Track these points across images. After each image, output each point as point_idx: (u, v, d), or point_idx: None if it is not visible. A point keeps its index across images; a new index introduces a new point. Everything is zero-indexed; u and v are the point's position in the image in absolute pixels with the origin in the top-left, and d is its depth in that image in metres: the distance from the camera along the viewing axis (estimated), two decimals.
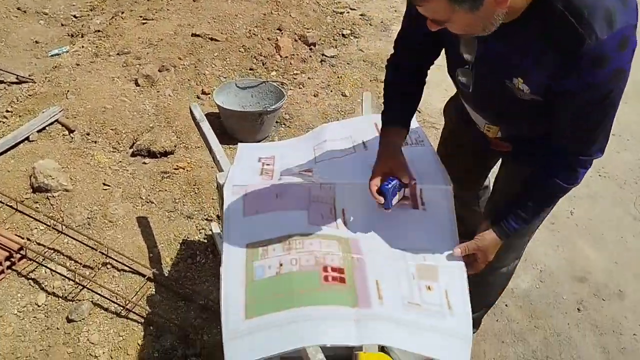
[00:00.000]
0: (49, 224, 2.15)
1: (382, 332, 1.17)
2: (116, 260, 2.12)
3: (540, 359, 2.00)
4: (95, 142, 2.69)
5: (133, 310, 1.94)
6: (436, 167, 1.56)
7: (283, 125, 3.00)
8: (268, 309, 1.22)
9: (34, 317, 1.92)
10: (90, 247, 2.14)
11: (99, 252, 2.11)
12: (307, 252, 1.30)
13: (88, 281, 1.99)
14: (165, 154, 2.64)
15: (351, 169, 1.58)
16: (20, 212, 2.19)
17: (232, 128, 2.77)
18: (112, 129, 2.76)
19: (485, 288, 1.75)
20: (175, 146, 2.67)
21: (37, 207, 2.30)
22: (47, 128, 2.72)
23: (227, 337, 1.19)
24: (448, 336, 1.19)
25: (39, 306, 1.96)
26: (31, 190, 2.36)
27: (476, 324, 1.92)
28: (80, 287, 2.00)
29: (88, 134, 2.71)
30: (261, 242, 1.35)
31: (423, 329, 1.19)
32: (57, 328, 1.90)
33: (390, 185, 1.34)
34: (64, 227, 2.16)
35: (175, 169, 2.57)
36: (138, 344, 1.87)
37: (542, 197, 1.32)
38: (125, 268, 2.11)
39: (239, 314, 1.22)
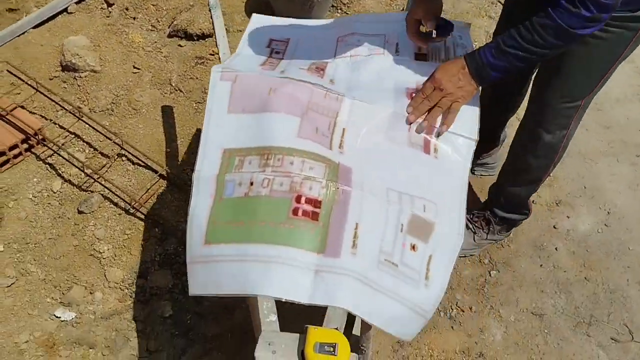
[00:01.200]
0: (67, 108, 2.09)
1: (342, 292, 0.95)
2: (131, 154, 2.04)
3: (583, 317, 1.69)
4: (134, 18, 2.53)
5: (140, 209, 1.88)
6: (470, 111, 1.22)
7: (339, 11, 2.63)
8: (225, 237, 1.04)
9: (48, 203, 1.93)
10: (107, 137, 2.07)
11: (115, 142, 2.04)
12: (283, 172, 1.08)
13: (98, 175, 1.93)
14: (202, 36, 2.43)
15: (370, 78, 1.29)
16: (40, 92, 2.14)
17: (279, 10, 2.47)
18: (153, 5, 2.58)
19: (524, 157, 1.55)
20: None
21: (65, 87, 2.25)
22: (86, 0, 2.60)
23: (188, 260, 1.05)
24: (408, 309, 0.97)
25: (54, 192, 1.95)
26: (60, 69, 2.30)
27: (522, 205, 1.70)
28: (92, 179, 1.95)
29: (127, 9, 2.56)
30: (240, 151, 1.15)
31: (389, 296, 0.96)
32: (68, 218, 1.89)
33: None
34: (82, 114, 2.10)
35: (210, 54, 2.37)
36: (142, 245, 1.82)
37: (531, 29, 1.10)
38: (140, 162, 2.02)
39: (200, 236, 1.06)
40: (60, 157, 2.03)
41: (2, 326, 1.63)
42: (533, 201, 1.83)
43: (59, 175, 1.99)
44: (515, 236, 1.87)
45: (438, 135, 1.19)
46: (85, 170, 1.93)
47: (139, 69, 2.33)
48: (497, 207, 1.71)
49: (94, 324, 1.66)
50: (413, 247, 1.05)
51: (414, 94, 1.22)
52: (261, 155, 1.11)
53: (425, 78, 1.25)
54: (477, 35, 2.50)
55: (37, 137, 1.98)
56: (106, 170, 1.98)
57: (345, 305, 0.95)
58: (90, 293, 1.73)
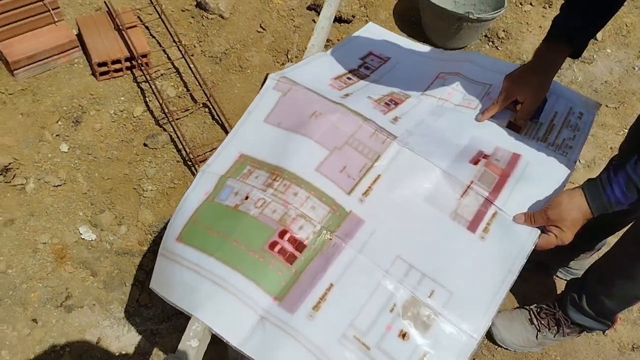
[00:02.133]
0: (180, 42, 2.15)
1: (281, 353, 0.85)
2: (214, 109, 2.06)
3: None
4: None
5: (195, 166, 1.89)
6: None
7: (491, 43, 2.40)
8: (196, 241, 0.99)
9: (124, 125, 2.01)
10: (200, 83, 2.10)
11: (204, 91, 2.07)
12: (282, 200, 0.99)
13: (176, 117, 1.97)
14: (339, 19, 2.37)
15: (446, 127, 1.14)
16: (161, 20, 2.22)
17: (426, 24, 2.32)
18: None
19: (628, 279, 1.22)
20: (354, 15, 2.37)
21: (190, 23, 2.32)
22: None
23: (160, 250, 1.02)
24: None
25: (133, 117, 2.03)
26: (195, 4, 2.37)
27: (606, 316, 1.39)
28: (167, 119, 2.00)
29: None
30: (254, 161, 1.08)
31: None
32: (133, 145, 1.96)
33: None
34: (191, 53, 2.15)
35: (338, 39, 2.31)
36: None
37: None
38: (218, 120, 2.04)
39: (177, 229, 1.03)
40: (153, 86, 2.10)
41: (34, 219, 1.74)
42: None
43: (145, 102, 2.07)
44: None
45: (495, 214, 1.02)
46: (165, 108, 1.98)
47: (264, 29, 2.33)
48: (574, 310, 1.42)
49: (105, 254, 1.71)
50: (403, 335, 0.91)
51: (482, 160, 1.06)
52: (270, 174, 1.03)
53: (509, 149, 1.09)
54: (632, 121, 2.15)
55: (141, 59, 2.06)
56: (186, 115, 2.02)
57: None
58: (118, 224, 1.79)
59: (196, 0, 2.34)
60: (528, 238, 1.00)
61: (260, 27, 2.33)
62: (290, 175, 1.02)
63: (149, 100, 2.07)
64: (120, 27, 2.06)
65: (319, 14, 2.28)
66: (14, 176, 1.82)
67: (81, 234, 1.74)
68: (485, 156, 1.10)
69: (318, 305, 0.90)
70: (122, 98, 2.06)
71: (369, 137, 1.09)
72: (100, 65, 2.00)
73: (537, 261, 1.59)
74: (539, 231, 1.01)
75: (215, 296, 0.90)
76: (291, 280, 0.92)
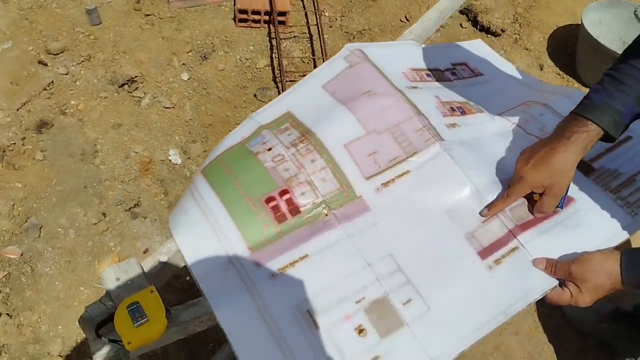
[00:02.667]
0: (316, 12, 2.21)
1: (225, 300, 0.87)
2: None
3: None
4: None
5: None
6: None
7: None
8: (211, 176, 1.03)
9: (243, 72, 2.14)
10: (322, 55, 2.15)
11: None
12: (298, 162, 0.99)
13: (289, 79, 2.04)
14: (486, 29, 2.27)
15: (501, 151, 1.07)
16: None
17: (579, 58, 2.12)
18: None
19: None
20: (503, 30, 2.25)
21: None
22: None
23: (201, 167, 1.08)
24: None
25: (255, 67, 2.15)
26: None
27: None
28: (280, 78, 2.08)
29: None
30: (295, 119, 1.09)
31: (278, 345, 0.86)
32: (245, 93, 2.08)
33: None
34: (331, 24, 2.20)
35: None
36: None
37: None
38: None
39: (205, 163, 1.09)
40: (282, 45, 2.19)
41: (137, 130, 1.94)
42: None
43: (270, 57, 2.17)
44: None
45: (514, 249, 0.93)
46: (280, 66, 2.06)
47: (407, 20, 2.31)
48: None
49: (181, 179, 1.85)
50: (360, 331, 0.88)
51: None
52: (301, 134, 1.03)
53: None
54: None
55: (279, 16, 2.16)
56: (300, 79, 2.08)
57: (220, 320, 0.86)
58: (203, 157, 1.92)
59: None
60: (539, 286, 0.90)
61: (405, 17, 2.31)
62: (317, 142, 1.01)
63: (275, 57, 2.16)
64: None
65: (468, 18, 2.20)
66: (136, 89, 2.02)
67: (169, 155, 1.90)
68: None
69: (285, 268, 0.89)
70: (252, 47, 2.17)
71: (414, 131, 1.04)
72: (241, 12, 2.13)
73: (603, 340, 1.42)
74: (556, 283, 0.90)
75: (198, 224, 0.94)
76: (272, 238, 0.92)
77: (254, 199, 0.93)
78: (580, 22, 2.01)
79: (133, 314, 0.75)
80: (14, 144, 1.78)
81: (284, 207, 0.93)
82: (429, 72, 1.20)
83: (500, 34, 2.20)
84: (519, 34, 2.22)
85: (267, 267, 0.88)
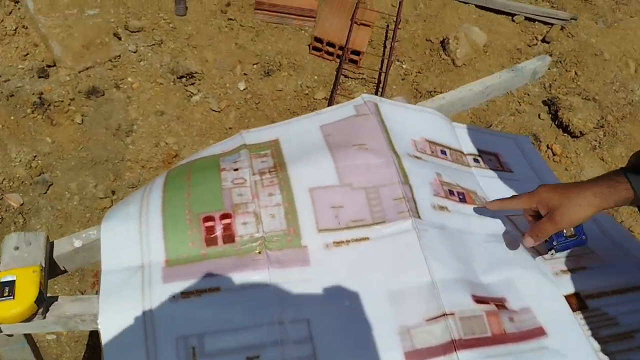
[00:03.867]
0: (389, 59, 2.17)
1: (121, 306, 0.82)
2: None
3: None
4: None
5: None
6: None
7: None
8: (173, 176, 1.00)
9: (300, 98, 2.12)
10: None
11: None
12: (255, 191, 0.94)
13: None
14: (572, 133, 2.11)
15: (477, 258, 0.95)
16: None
17: None
18: None
19: None
20: (583, 132, 2.08)
21: (424, 54, 2.32)
22: None
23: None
24: None
25: (313, 98, 2.13)
26: (440, 40, 2.36)
27: None
28: None
29: None
30: (279, 149, 1.04)
31: None
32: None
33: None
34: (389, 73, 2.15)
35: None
36: None
37: None
38: None
39: (176, 165, 1.07)
40: (347, 83, 2.15)
41: (178, 123, 1.96)
42: None
43: (330, 91, 2.14)
44: None
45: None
46: (330, 103, 2.02)
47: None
48: None
49: None
50: None
51: (489, 305, 0.86)
52: (274, 166, 0.97)
53: (541, 320, 0.87)
54: None
55: (353, 55, 2.13)
56: None
57: (101, 323, 0.80)
58: None
59: (443, 37, 2.31)
60: None
61: None
62: (284, 177, 0.95)
63: (336, 93, 2.13)
64: (355, 19, 2.16)
65: (549, 111, 2.06)
66: (192, 84, 2.06)
67: None
68: (501, 305, 0.86)
69: (189, 294, 0.82)
70: (316, 77, 2.16)
71: (392, 198, 0.94)
72: (317, 40, 2.13)
73: None
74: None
75: (130, 220, 0.90)
76: (193, 258, 0.86)
77: (194, 214, 0.88)
78: None
79: (2, 287, 0.71)
80: (62, 101, 1.85)
81: (219, 230, 0.87)
82: (445, 149, 1.10)
83: (578, 136, 2.03)
84: (599, 142, 2.04)
85: (173, 287, 0.82)
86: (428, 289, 0.84)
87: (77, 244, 0.84)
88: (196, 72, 2.05)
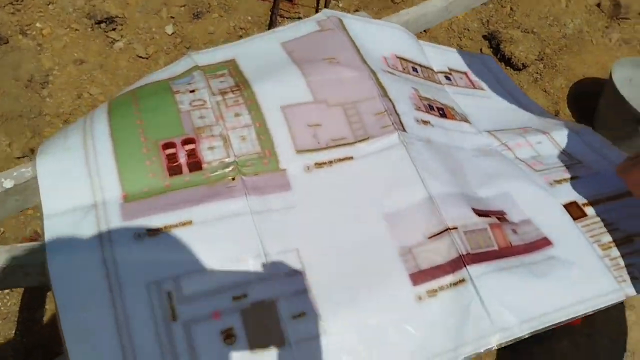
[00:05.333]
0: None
1: (72, 258, 0.68)
2: None
3: None
4: None
5: None
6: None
7: None
8: (115, 105, 0.85)
9: (226, 41, 1.96)
10: None
11: None
12: (219, 112, 0.81)
13: None
14: (514, 66, 2.09)
15: (470, 173, 0.88)
16: None
17: (598, 114, 1.94)
18: None
19: None
20: (525, 65, 2.07)
21: None
22: None
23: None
24: None
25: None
26: None
27: None
28: None
29: None
30: (237, 69, 0.91)
31: None
32: None
33: None
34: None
35: None
36: None
37: None
38: None
39: (116, 94, 0.92)
40: (284, 23, 2.01)
41: (99, 72, 1.76)
42: None
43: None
44: None
45: (459, 282, 0.73)
46: None
47: (424, 32, 2.13)
48: None
49: None
50: (228, 336, 0.68)
51: (491, 218, 0.79)
52: (236, 84, 0.85)
53: (544, 231, 0.81)
54: None
55: None
56: None
57: (52, 278, 0.66)
58: None
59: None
60: (474, 341, 0.69)
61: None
62: (250, 95, 0.83)
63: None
64: None
65: (491, 45, 2.03)
66: (113, 29, 1.85)
67: None
68: (502, 218, 0.80)
69: (158, 231, 0.70)
70: (249, 18, 2.01)
71: (373, 113, 0.85)
72: None
73: None
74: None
75: (72, 151, 0.75)
76: (155, 190, 0.73)
77: (150, 141, 0.74)
78: (609, 77, 1.83)
79: None
80: None
81: (183, 158, 0.73)
82: (416, 67, 1.02)
83: (520, 69, 2.02)
84: (540, 74, 2.04)
85: (136, 225, 0.68)
86: (426, 204, 0.76)
87: (8, 184, 0.68)
88: (117, 17, 1.84)
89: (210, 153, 0.75)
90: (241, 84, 0.83)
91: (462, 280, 0.71)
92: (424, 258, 0.73)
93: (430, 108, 0.92)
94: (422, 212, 0.76)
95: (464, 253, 0.72)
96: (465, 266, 0.71)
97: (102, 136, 0.76)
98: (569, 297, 0.73)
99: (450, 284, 0.71)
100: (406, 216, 0.76)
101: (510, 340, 0.68)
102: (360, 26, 1.00)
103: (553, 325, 0.70)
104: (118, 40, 1.82)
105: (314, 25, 0.96)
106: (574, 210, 0.85)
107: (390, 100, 0.86)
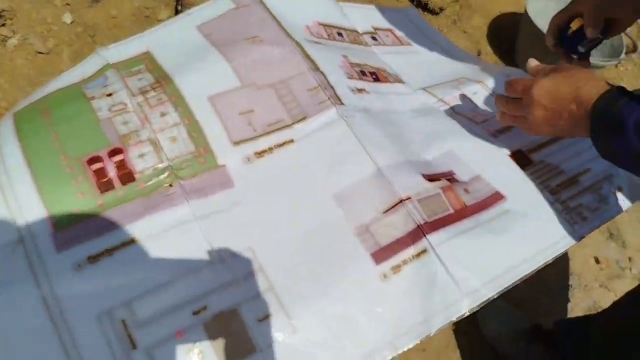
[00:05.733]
0: None
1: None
2: None
3: None
4: None
5: None
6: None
7: None
8: (22, 120, 0.76)
9: (141, 23, 1.84)
10: None
11: None
12: (143, 115, 0.75)
13: None
14: (432, 10, 2.07)
15: (414, 136, 0.86)
16: None
17: (518, 48, 1.98)
18: None
19: None
20: (442, 8, 2.07)
21: None
22: None
23: None
24: None
25: (157, 19, 1.86)
26: None
27: None
28: None
29: None
30: (153, 62, 0.84)
31: None
32: None
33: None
34: None
35: None
36: None
37: None
38: None
39: (21, 104, 0.82)
40: None
41: None
42: None
43: (174, 8, 1.88)
44: None
45: (421, 253, 0.72)
46: None
47: None
48: None
49: None
50: (198, 353, 0.64)
51: (442, 181, 0.77)
52: (156, 81, 0.78)
53: (495, 185, 0.80)
54: None
55: None
56: None
57: None
58: None
59: None
60: (445, 310, 0.69)
61: None
62: (174, 91, 0.77)
63: (179, 9, 1.87)
64: None
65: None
66: (2, 25, 1.68)
67: None
68: (452, 179, 0.79)
69: (98, 257, 0.64)
70: None
71: (306, 90, 0.81)
72: None
73: None
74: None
75: None
76: (88, 212, 0.67)
77: (72, 158, 0.67)
78: (524, 11, 1.86)
79: None
80: None
81: (112, 171, 0.67)
82: (341, 31, 0.98)
83: (438, 13, 2.01)
84: (458, 16, 2.05)
85: (73, 254, 0.62)
86: (376, 178, 0.74)
87: None
88: (3, 10, 1.68)
89: (142, 161, 0.70)
90: (162, 80, 0.77)
91: (424, 251, 0.70)
92: (382, 234, 0.71)
93: (362, 74, 0.89)
94: (373, 187, 0.74)
95: (422, 222, 0.71)
96: (424, 236, 0.70)
97: (13, 160, 0.68)
98: (529, 249, 0.74)
99: (413, 256, 0.70)
100: (357, 194, 0.74)
101: (481, 303, 0.68)
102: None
103: (519, 280, 0.70)
104: (11, 37, 1.67)
105: (227, 2, 0.90)
106: (520, 159, 0.85)
107: (322, 72, 0.82)
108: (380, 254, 0.69)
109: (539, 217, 0.77)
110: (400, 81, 0.94)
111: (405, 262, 0.69)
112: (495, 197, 0.78)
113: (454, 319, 0.67)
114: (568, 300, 1.33)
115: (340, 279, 0.68)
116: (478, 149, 0.83)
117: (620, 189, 0.88)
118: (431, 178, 0.77)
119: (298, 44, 0.85)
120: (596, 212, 0.82)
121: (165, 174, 0.69)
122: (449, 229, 0.72)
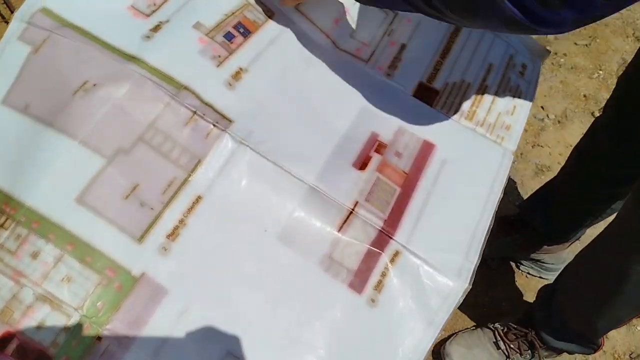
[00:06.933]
0: None
1: None
2: None
3: None
4: None
5: None
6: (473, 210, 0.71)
7: None
8: None
9: None
10: None
11: None
12: (12, 270, 0.56)
13: None
14: None
15: (315, 104, 0.73)
16: None
17: None
18: None
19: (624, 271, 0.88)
20: None
21: None
22: None
23: None
24: None
25: None
26: None
27: (589, 339, 1.05)
28: None
29: None
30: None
31: None
32: None
33: None
34: None
35: None
36: None
37: None
38: None
39: None
40: None
41: None
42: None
43: None
44: None
45: (394, 257, 0.66)
46: None
47: None
48: (548, 331, 1.09)
49: None
50: None
51: (373, 159, 0.68)
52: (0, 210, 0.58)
53: (418, 133, 0.73)
54: (608, 61, 1.77)
55: None
56: None
57: None
58: None
59: None
60: (444, 305, 0.65)
61: None
62: (31, 216, 0.58)
63: None
64: None
65: None
66: None
67: None
68: (380, 147, 0.70)
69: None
70: None
71: (183, 124, 0.64)
72: None
73: (502, 257, 1.28)
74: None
75: None
76: None
77: None
78: None
79: None
80: None
81: None
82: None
83: None
84: None
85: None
86: (312, 197, 0.64)
87: None
88: None
89: (45, 334, 0.54)
90: (6, 208, 0.57)
91: (397, 254, 0.64)
92: (348, 256, 0.64)
93: (229, 39, 0.72)
94: (314, 209, 0.64)
95: (381, 224, 0.64)
96: (391, 238, 0.64)
97: None
98: (480, 195, 0.71)
99: (389, 264, 0.64)
100: (300, 224, 0.64)
101: (472, 275, 0.66)
102: (84, 9, 0.70)
103: (488, 232, 0.68)
104: None
105: (20, 47, 0.65)
106: (425, 94, 0.77)
107: (186, 88, 0.65)
108: (358, 281, 0.63)
109: (471, 154, 0.73)
110: (270, 14, 0.77)
111: (384, 274, 0.64)
112: (427, 148, 0.72)
113: (455, 306, 0.65)
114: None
115: (329, 324, 0.61)
116: (385, 99, 0.74)
117: (524, 67, 0.85)
118: (362, 161, 0.68)
119: (138, 61, 0.65)
120: (515, 113, 0.80)
121: (84, 329, 0.55)
122: (408, 216, 0.65)
